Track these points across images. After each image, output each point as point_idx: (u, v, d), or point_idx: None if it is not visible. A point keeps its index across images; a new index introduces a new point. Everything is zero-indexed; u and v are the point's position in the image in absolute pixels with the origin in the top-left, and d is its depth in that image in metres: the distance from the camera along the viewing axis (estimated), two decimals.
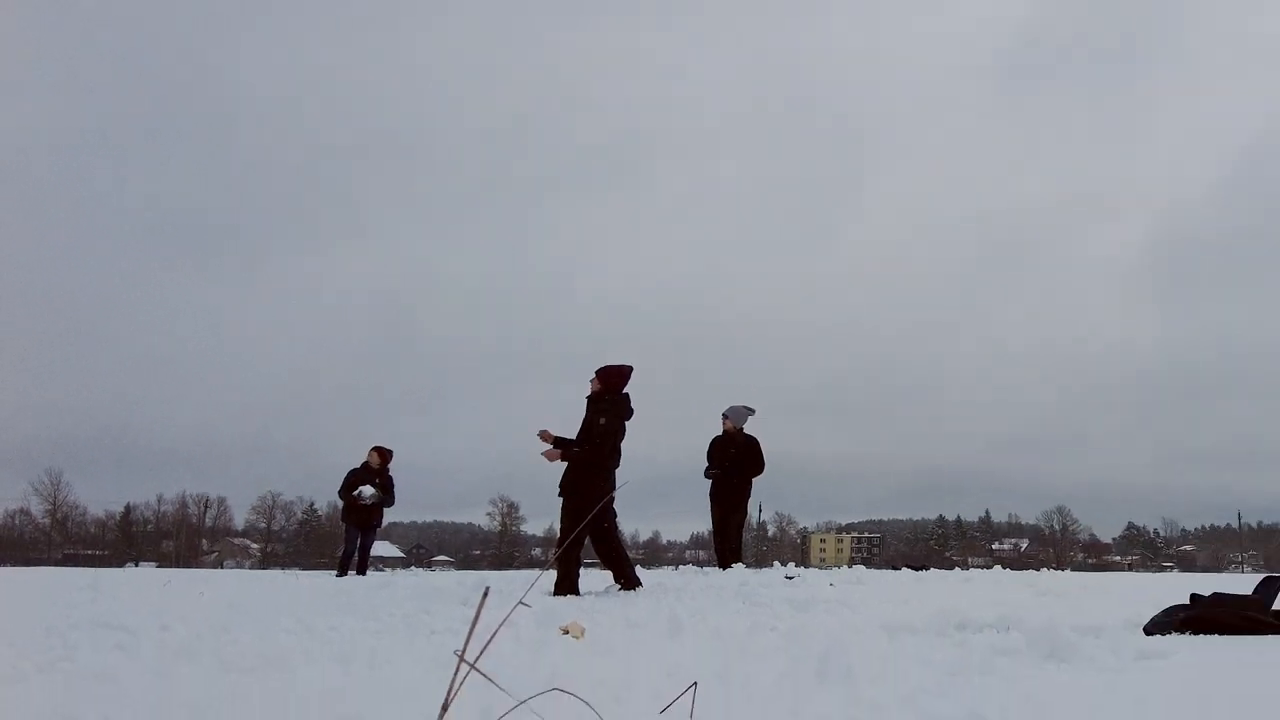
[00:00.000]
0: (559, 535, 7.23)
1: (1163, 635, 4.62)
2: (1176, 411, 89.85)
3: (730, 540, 9.46)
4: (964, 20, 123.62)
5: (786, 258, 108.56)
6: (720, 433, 9.42)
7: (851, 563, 15.36)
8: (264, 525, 61.25)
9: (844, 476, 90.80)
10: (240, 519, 61.22)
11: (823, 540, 77.13)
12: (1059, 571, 13.18)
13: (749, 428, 9.40)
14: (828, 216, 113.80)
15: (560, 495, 6.49)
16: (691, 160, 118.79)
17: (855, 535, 79.60)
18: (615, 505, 6.88)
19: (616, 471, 6.63)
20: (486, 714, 1.91)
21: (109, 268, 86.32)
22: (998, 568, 12.16)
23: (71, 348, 75.58)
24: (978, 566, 19.01)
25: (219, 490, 61.34)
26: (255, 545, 60.41)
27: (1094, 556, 71.95)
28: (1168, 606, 5.21)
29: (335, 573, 10.57)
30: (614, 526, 7.03)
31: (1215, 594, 5.17)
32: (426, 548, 67.63)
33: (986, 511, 77.42)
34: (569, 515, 6.37)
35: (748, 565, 9.20)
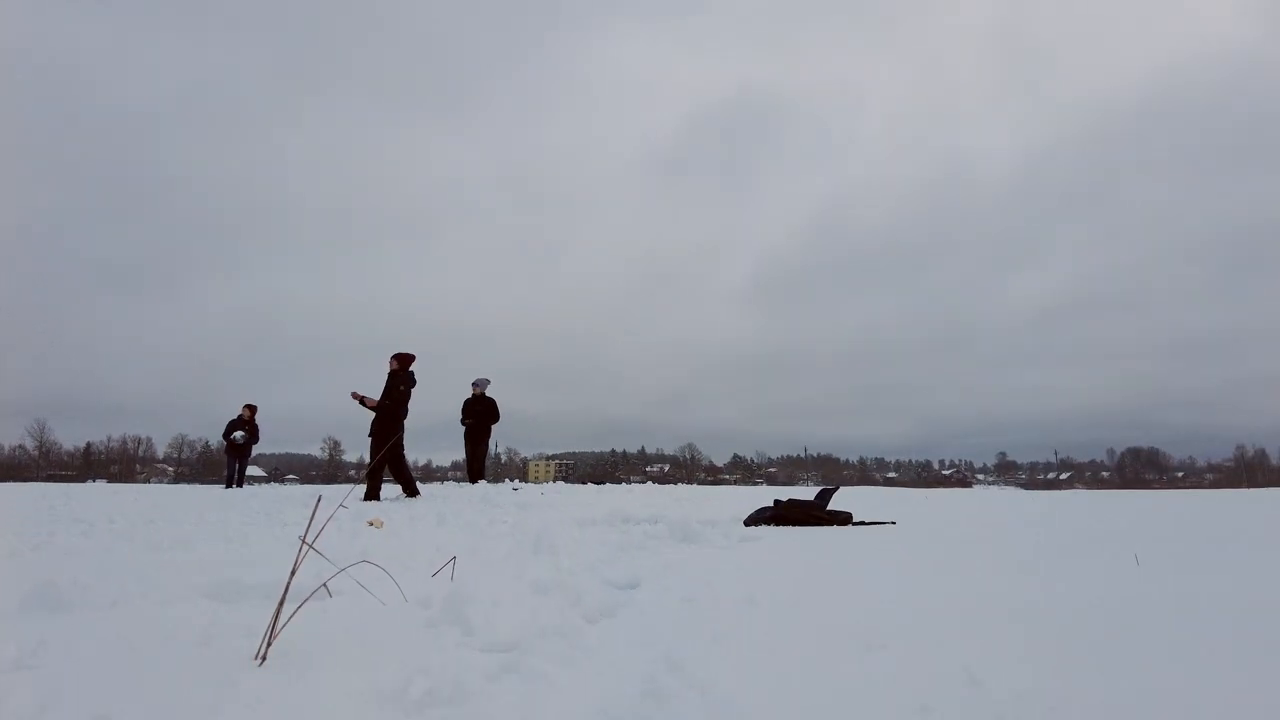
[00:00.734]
0: (368, 461, 9.61)
1: (755, 526, 5.98)
2: (766, 381, 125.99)
3: (477, 465, 12.67)
4: (635, 124, 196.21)
5: (528, 284, 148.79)
6: (471, 395, 12.65)
7: (555, 480, 22.65)
8: (176, 455, 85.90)
9: (551, 423, 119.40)
10: (161, 451, 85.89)
11: (536, 465, 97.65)
12: (689, 485, 16.11)
13: (489, 392, 12.71)
14: (552, 255, 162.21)
15: (370, 435, 8.95)
16: (461, 223, 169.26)
17: (558, 462, 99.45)
18: (405, 441, 9.13)
19: (405, 421, 9.02)
20: (319, 577, 2.33)
21: (89, 287, 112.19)
22: (650, 483, 15.85)
23: (58, 337, 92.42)
24: (637, 482, 24.27)
25: (148, 432, 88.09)
26: (171, 468, 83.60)
27: (711, 476, 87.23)
28: (760, 507, 6.66)
29: (223, 486, 14.08)
30: (403, 456, 9.14)
31: (790, 499, 6.70)
32: (281, 470, 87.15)
33: (642, 446, 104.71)
34: (374, 448, 8.91)
35: (488, 482, 12.50)
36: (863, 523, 6.12)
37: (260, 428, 15.25)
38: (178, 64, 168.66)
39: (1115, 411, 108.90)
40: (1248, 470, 75.80)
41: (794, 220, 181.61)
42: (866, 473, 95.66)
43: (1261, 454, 78.90)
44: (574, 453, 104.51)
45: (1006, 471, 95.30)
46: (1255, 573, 3.04)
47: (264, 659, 1.72)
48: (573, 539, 4.52)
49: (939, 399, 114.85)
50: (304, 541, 1.93)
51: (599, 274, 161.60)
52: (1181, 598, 2.41)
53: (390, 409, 8.85)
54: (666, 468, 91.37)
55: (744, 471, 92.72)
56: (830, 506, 6.64)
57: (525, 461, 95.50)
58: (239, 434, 14.79)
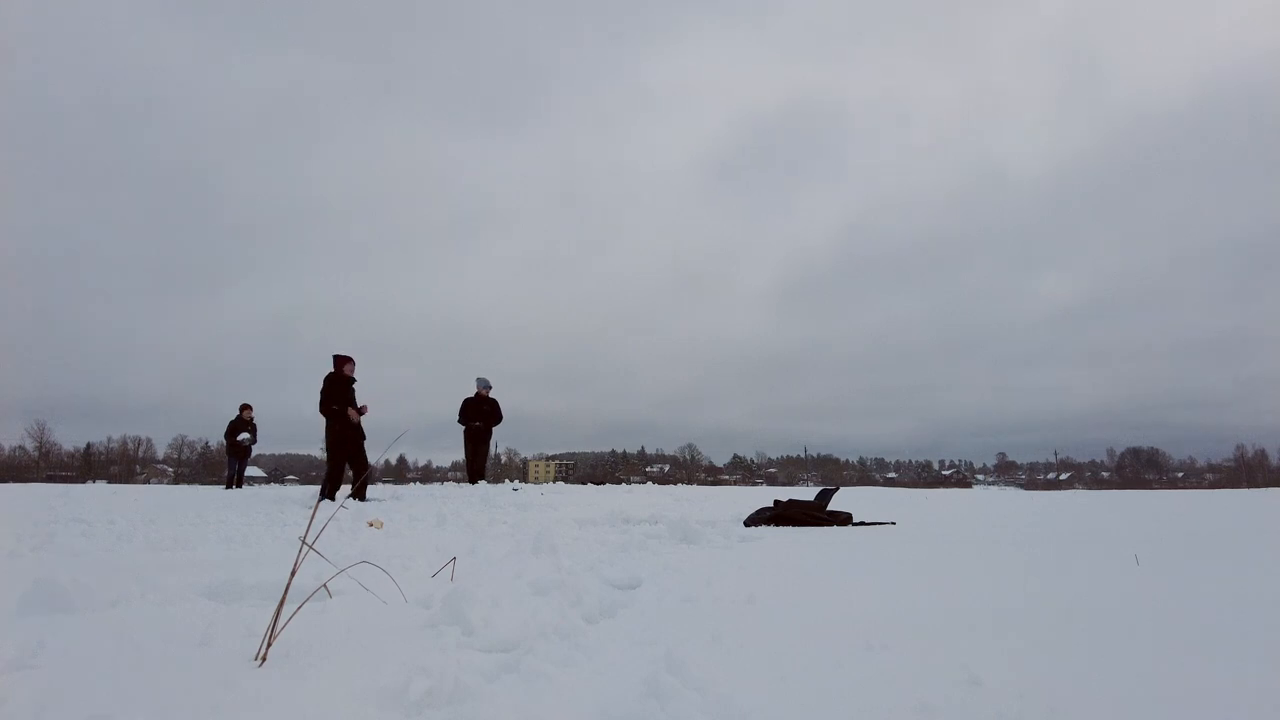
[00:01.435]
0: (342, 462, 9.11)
1: (755, 526, 5.98)
2: (776, 382, 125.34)
3: (477, 465, 12.62)
4: (690, 134, 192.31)
5: (553, 287, 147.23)
6: (473, 394, 12.64)
7: (555, 480, 22.57)
8: (177, 456, 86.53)
9: (551, 423, 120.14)
10: (161, 452, 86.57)
11: (536, 465, 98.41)
12: (689, 486, 16.06)
13: (492, 393, 12.72)
14: (584, 257, 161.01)
15: (335, 442, 8.80)
16: (503, 228, 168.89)
17: (558, 462, 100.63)
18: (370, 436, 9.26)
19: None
20: (319, 577, 2.33)
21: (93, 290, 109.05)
22: (649, 484, 15.88)
23: (60, 345, 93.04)
24: (637, 482, 24.21)
25: (147, 433, 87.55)
26: (171, 469, 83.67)
27: (711, 476, 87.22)
28: (760, 508, 6.66)
29: (223, 486, 13.85)
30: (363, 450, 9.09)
31: (790, 500, 6.69)
32: (281, 470, 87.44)
33: (642, 447, 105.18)
34: (348, 451, 8.74)
35: (488, 482, 12.38)
36: (863, 523, 6.14)
37: (259, 427, 15.19)
38: (256, 75, 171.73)
39: (1115, 412, 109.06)
40: (1248, 470, 75.79)
41: (826, 225, 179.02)
42: (866, 473, 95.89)
43: (1262, 454, 78.92)
44: (574, 453, 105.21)
45: (1006, 472, 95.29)
46: (1255, 572, 3.04)
47: (264, 659, 1.72)
48: (573, 539, 4.53)
49: (940, 399, 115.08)
50: (303, 541, 1.93)
51: (625, 277, 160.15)
52: (1181, 597, 2.42)
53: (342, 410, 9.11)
54: (666, 468, 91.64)
55: (744, 472, 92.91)
56: (830, 507, 6.64)
57: (525, 462, 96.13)
58: (245, 436, 14.67)
